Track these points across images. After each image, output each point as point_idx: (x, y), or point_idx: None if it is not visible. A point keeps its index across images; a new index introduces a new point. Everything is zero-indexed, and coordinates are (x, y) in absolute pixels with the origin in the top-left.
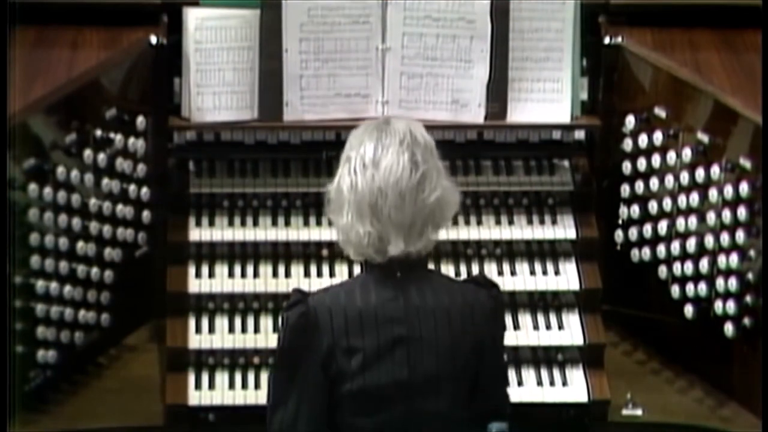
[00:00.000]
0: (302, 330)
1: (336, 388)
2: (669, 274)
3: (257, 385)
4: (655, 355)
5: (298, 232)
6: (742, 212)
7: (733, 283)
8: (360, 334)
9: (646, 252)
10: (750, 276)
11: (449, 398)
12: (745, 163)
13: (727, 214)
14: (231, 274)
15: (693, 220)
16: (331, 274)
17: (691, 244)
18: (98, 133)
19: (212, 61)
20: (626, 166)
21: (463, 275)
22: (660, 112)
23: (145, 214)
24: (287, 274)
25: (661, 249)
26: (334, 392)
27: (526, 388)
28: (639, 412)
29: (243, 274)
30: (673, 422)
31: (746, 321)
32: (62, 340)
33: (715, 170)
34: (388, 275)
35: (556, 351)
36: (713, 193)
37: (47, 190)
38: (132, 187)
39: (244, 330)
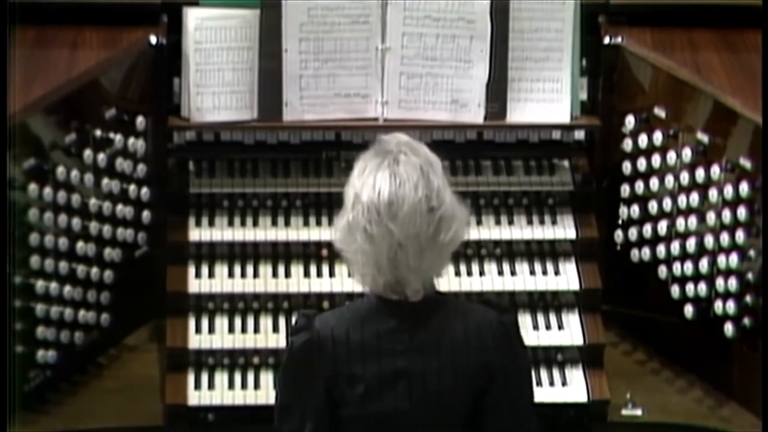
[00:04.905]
0: (306, 357)
1: (339, 411)
2: (669, 274)
3: (257, 385)
4: (655, 355)
5: (297, 232)
6: (742, 212)
7: (733, 283)
8: (362, 363)
9: (646, 252)
10: (750, 276)
11: (451, 430)
12: (745, 163)
13: (727, 214)
14: (231, 274)
15: (693, 220)
16: (331, 274)
17: (691, 244)
18: (98, 133)
19: (212, 61)
20: (626, 166)
21: (463, 275)
22: (660, 112)
23: (145, 214)
24: (287, 274)
25: (661, 249)
26: (338, 414)
27: None
28: (639, 412)
29: (243, 274)
30: (672, 422)
31: (746, 321)
32: (62, 340)
33: (715, 170)
34: (396, 301)
35: (555, 351)
36: (713, 193)
37: (47, 190)
38: (132, 187)
39: (243, 330)
